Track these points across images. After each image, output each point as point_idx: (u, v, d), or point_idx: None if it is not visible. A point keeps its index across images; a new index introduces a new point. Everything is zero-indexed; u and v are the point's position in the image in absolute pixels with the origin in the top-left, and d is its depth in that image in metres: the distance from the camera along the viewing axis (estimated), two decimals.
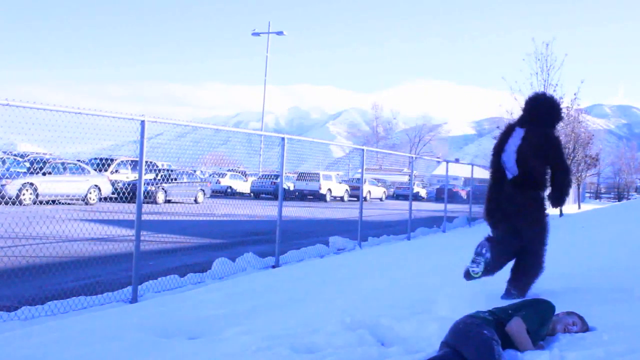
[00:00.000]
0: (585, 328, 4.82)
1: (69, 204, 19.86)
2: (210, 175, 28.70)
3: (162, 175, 17.81)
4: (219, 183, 33.33)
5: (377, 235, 16.30)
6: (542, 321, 4.63)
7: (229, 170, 34.90)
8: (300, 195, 34.68)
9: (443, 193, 23.64)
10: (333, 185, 37.40)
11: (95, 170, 21.10)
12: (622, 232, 11.76)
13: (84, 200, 20.39)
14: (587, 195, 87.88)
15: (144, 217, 8.58)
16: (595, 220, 17.40)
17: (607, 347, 4.24)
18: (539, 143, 6.52)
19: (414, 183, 20.81)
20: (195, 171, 22.37)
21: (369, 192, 41.32)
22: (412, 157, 20.18)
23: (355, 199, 35.19)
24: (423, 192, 51.28)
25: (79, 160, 20.27)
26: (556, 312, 4.80)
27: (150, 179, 18.13)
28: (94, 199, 20.54)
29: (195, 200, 22.73)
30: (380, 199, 44.40)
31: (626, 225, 13.34)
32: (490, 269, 6.24)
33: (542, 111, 6.75)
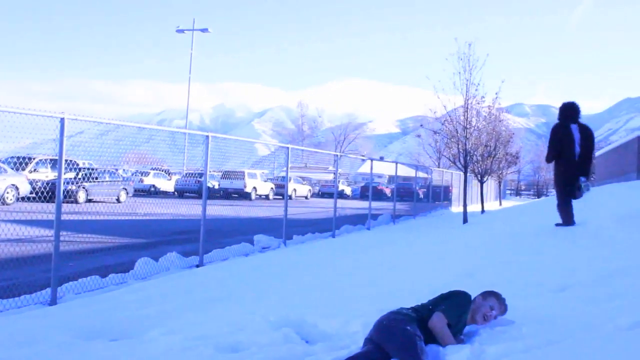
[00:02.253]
0: (503, 308, 4.95)
1: None
2: (133, 174, 28.23)
3: (83, 174, 17.43)
4: (142, 182, 32.79)
5: (302, 233, 16.32)
6: (461, 313, 4.72)
7: (152, 169, 34.39)
8: (225, 194, 34.41)
9: (368, 191, 23.84)
10: (258, 184, 37.25)
11: (13, 169, 20.52)
12: (541, 227, 12.04)
13: (0, 200, 19.81)
14: (508, 192, 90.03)
15: (64, 217, 8.39)
16: (516, 215, 17.81)
17: (525, 340, 4.34)
18: (587, 133, 10.71)
19: (338, 181, 20.90)
20: (117, 170, 21.96)
21: (294, 190, 41.34)
22: (337, 156, 20.27)
23: (281, 197, 35.18)
24: (348, 190, 51.62)
25: None
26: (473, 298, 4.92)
27: (71, 178, 17.72)
28: (11, 199, 19.97)
29: (118, 200, 22.30)
30: (306, 197, 44.47)
31: (545, 219, 13.68)
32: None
33: (579, 113, 10.97)
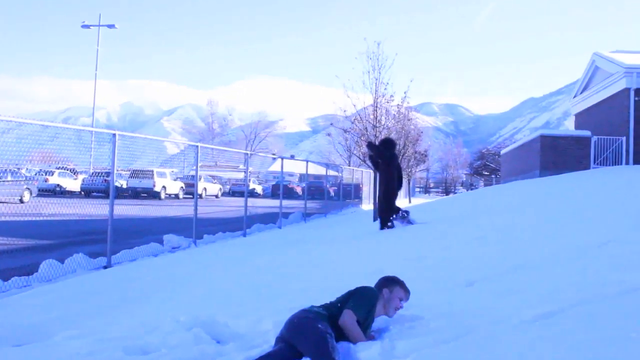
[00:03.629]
0: (408, 294, 5.07)
1: None
2: (37, 173, 27.40)
3: None
4: (47, 181, 31.85)
5: (213, 232, 16.20)
6: (369, 309, 4.76)
7: (57, 168, 33.43)
8: (134, 193, 33.75)
9: (279, 189, 23.87)
10: (167, 183, 36.74)
11: None
12: (448, 223, 12.30)
13: None
14: (417, 189, 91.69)
15: None
16: (424, 212, 18.13)
17: (434, 335, 4.41)
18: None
19: (249, 180, 20.83)
20: (20, 169, 21.24)
21: (205, 189, 40.97)
22: (248, 154, 20.19)
23: (191, 196, 34.80)
24: (259, 189, 51.47)
25: None
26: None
27: None
28: None
29: (21, 200, 21.58)
30: (216, 196, 44.15)
31: (451, 216, 14.00)
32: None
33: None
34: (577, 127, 30.92)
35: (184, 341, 4.94)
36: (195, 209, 14.76)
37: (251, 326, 5.27)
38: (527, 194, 16.23)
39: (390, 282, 5.08)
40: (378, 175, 14.26)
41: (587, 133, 24.68)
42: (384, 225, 13.60)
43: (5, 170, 19.19)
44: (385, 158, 13.86)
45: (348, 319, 4.55)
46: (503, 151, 38.51)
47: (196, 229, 14.64)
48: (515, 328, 4.30)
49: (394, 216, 13.68)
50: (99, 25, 50.18)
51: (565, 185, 16.32)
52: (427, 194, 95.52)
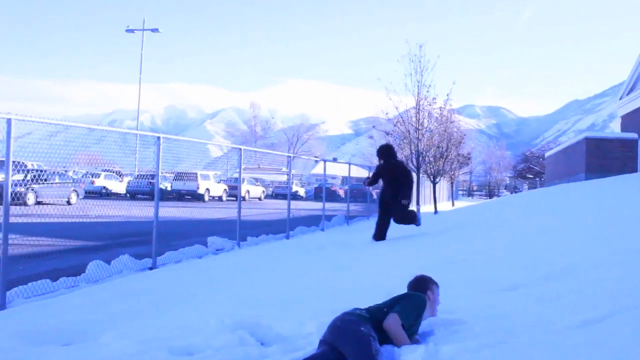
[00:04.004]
0: (438, 286, 5.14)
1: None
2: (83, 176, 27.79)
3: (32, 176, 17.08)
4: (93, 183, 32.25)
5: (256, 234, 16.26)
6: (416, 316, 4.75)
7: (103, 171, 33.85)
8: (178, 196, 34.06)
9: (321, 192, 23.87)
10: (211, 185, 37.03)
11: None
12: (489, 227, 12.21)
13: None
14: (460, 192, 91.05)
15: (13, 219, 8.25)
16: (468, 215, 18.01)
17: (479, 339, 4.39)
18: None
19: (292, 182, 20.89)
20: (67, 171, 21.55)
21: (248, 191, 41.19)
22: (290, 157, 20.26)
23: (234, 198, 35.01)
24: (302, 191, 51.57)
25: None
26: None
27: (19, 180, 17.35)
28: None
29: (68, 202, 21.90)
30: (259, 199, 44.36)
31: (493, 219, 13.90)
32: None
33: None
34: (623, 129, 30.42)
35: (228, 343, 4.98)
36: (239, 211, 14.83)
37: (294, 328, 5.29)
38: (573, 197, 16.02)
39: (429, 283, 5.10)
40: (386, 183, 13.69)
41: (634, 135, 24.30)
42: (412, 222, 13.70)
43: (53, 172, 19.54)
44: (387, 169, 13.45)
45: (393, 322, 4.54)
46: (547, 154, 38.05)
47: (240, 231, 14.71)
48: (561, 333, 4.26)
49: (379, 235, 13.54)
50: (143, 30, 50.73)
51: (611, 188, 16.07)
52: (470, 197, 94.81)
